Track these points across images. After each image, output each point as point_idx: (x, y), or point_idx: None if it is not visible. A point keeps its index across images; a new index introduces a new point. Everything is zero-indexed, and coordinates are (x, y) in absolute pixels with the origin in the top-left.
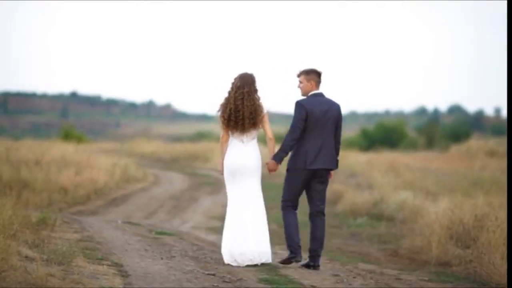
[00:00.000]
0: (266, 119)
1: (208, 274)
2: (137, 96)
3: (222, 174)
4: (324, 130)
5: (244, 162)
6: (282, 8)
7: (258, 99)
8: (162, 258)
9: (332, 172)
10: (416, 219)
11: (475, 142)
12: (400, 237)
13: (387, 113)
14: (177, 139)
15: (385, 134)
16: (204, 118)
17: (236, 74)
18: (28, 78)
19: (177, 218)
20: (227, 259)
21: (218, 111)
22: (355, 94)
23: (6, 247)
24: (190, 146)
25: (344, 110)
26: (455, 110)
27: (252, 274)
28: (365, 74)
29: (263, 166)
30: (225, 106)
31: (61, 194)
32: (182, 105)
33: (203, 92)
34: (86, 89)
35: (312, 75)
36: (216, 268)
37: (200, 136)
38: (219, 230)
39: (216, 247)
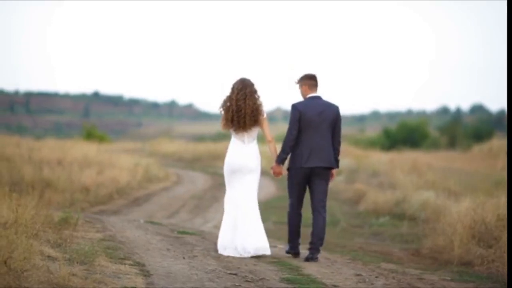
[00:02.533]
0: (266, 121)
1: (230, 273)
2: (159, 95)
3: None
4: (319, 131)
5: (243, 162)
6: (304, 8)
7: (259, 99)
8: (184, 258)
9: (334, 172)
10: (438, 219)
11: (498, 142)
12: (422, 237)
13: (409, 112)
14: (199, 138)
15: (407, 133)
16: None
17: (235, 79)
18: (50, 78)
19: (199, 217)
20: (219, 250)
21: (220, 112)
22: (377, 94)
23: (29, 247)
24: (212, 145)
25: (366, 110)
26: (478, 109)
27: (274, 273)
28: (387, 73)
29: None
30: (228, 108)
31: (83, 193)
32: (204, 104)
33: (225, 91)
34: (108, 89)
35: (305, 80)
36: (238, 268)
37: (222, 136)
38: None
39: None
